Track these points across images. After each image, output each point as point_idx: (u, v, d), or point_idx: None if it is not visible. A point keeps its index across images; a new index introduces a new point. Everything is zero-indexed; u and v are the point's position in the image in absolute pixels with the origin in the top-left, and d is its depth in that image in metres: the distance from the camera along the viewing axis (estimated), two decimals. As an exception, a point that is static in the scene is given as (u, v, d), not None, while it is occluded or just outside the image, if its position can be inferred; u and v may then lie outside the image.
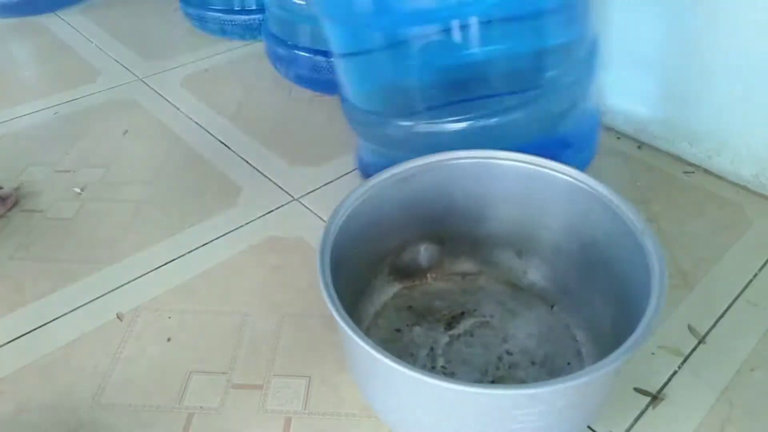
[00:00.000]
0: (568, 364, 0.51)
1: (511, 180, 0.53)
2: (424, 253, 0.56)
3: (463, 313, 0.55)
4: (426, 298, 0.56)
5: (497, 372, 0.50)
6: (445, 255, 0.57)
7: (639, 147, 0.81)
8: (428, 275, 0.57)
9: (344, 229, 0.47)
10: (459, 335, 0.53)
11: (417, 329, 0.53)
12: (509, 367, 0.50)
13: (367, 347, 0.36)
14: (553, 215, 0.53)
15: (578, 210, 0.51)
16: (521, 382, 0.50)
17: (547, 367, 0.51)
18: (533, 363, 0.51)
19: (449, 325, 0.53)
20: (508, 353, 0.52)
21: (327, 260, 0.43)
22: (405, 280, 0.57)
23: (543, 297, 0.56)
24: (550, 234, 0.54)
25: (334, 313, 0.39)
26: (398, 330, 0.52)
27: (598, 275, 0.51)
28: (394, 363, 0.35)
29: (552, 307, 0.55)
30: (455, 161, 0.52)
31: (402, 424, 0.43)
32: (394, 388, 0.40)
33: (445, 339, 0.52)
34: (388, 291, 0.56)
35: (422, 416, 0.40)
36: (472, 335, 0.53)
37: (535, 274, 0.56)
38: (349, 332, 0.37)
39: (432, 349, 0.51)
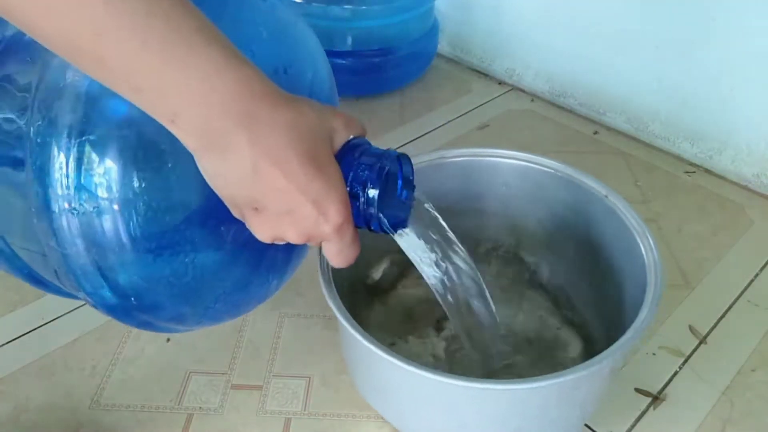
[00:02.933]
0: (558, 328, 0.52)
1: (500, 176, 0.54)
2: (392, 264, 0.56)
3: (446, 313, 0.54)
4: (405, 307, 0.55)
5: (501, 361, 0.50)
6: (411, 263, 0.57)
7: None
8: (398, 284, 0.57)
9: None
10: (452, 335, 0.52)
11: (410, 339, 0.52)
12: (514, 349, 0.50)
13: (404, 365, 0.35)
14: (545, 211, 0.54)
15: (572, 205, 0.51)
16: (530, 362, 0.50)
17: (542, 343, 0.51)
18: (530, 343, 0.51)
19: (439, 328, 0.53)
20: (504, 338, 0.51)
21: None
22: (379, 295, 0.56)
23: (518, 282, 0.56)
24: (539, 228, 0.54)
25: (357, 335, 0.37)
26: (393, 344, 0.52)
27: (593, 270, 0.51)
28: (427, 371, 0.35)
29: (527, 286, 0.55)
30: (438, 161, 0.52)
31: (416, 425, 0.44)
32: (409, 393, 0.40)
33: (441, 343, 0.52)
34: (366, 309, 0.55)
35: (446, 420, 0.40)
36: (465, 329, 0.52)
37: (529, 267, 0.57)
38: (386, 355, 0.36)
39: (433, 355, 0.51)
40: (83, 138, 0.30)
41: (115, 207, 0.31)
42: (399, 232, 0.37)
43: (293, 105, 0.30)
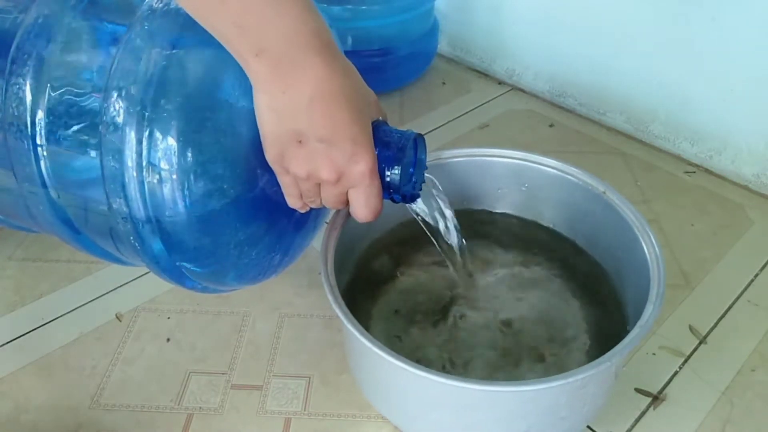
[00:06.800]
0: (563, 316, 0.51)
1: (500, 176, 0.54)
2: (389, 257, 0.56)
3: (448, 299, 0.54)
4: (406, 296, 0.55)
5: (508, 347, 0.49)
6: (409, 252, 0.57)
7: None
8: (397, 272, 0.57)
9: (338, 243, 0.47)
10: (456, 323, 0.52)
11: (414, 331, 0.52)
12: (517, 336, 0.50)
13: (408, 367, 0.36)
14: (544, 209, 0.54)
15: (572, 204, 0.51)
16: (534, 348, 0.49)
17: (547, 323, 0.51)
18: (535, 325, 0.51)
19: (442, 317, 0.53)
20: (507, 323, 0.51)
21: (331, 263, 0.43)
22: (379, 286, 0.56)
23: (512, 262, 0.56)
24: (538, 227, 0.55)
25: (363, 339, 0.38)
26: (398, 337, 0.52)
27: (593, 267, 0.51)
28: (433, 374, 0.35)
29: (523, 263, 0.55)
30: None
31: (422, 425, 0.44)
32: (414, 394, 0.40)
33: (445, 332, 0.52)
34: (368, 301, 0.55)
35: (447, 418, 0.40)
36: (467, 318, 0.52)
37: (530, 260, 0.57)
38: (384, 355, 0.37)
39: (438, 346, 0.51)
40: (151, 121, 0.37)
41: (174, 176, 0.37)
42: (412, 204, 0.44)
43: (349, 63, 0.36)
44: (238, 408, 0.50)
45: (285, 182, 0.39)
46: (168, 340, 0.55)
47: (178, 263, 0.42)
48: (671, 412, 0.49)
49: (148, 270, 0.61)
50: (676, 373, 0.52)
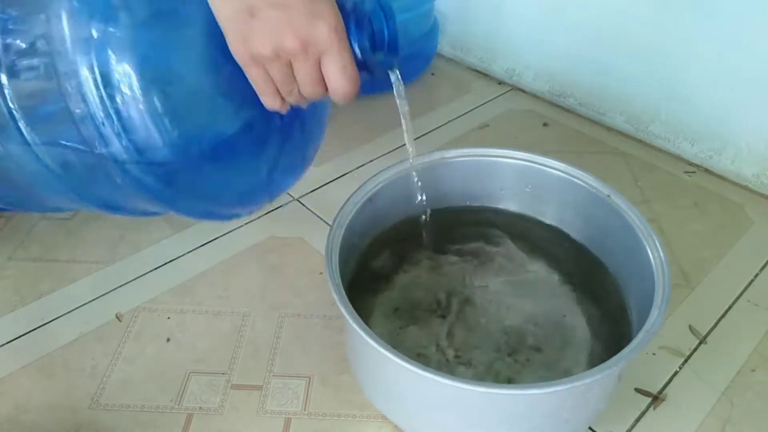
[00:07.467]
0: (564, 316, 0.51)
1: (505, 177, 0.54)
2: (390, 254, 0.56)
3: (448, 297, 0.54)
4: (406, 293, 0.55)
5: (508, 346, 0.50)
6: (407, 250, 0.57)
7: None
8: (399, 270, 0.57)
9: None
10: (455, 321, 0.52)
11: (413, 329, 0.52)
12: (518, 336, 0.50)
13: (411, 366, 0.36)
14: (546, 211, 0.54)
15: (576, 206, 0.51)
16: (536, 347, 0.50)
17: (550, 323, 0.51)
18: (536, 324, 0.51)
19: (441, 314, 0.53)
20: (508, 322, 0.51)
21: (335, 261, 0.43)
22: (380, 282, 0.56)
23: (512, 260, 0.56)
24: (541, 229, 0.55)
25: (360, 330, 0.38)
26: (398, 335, 0.52)
27: (595, 270, 0.51)
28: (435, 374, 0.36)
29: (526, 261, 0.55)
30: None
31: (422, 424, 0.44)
32: (413, 393, 0.40)
33: (445, 329, 0.52)
34: (369, 299, 0.55)
35: (448, 418, 0.40)
36: (467, 316, 0.52)
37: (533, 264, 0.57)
38: (382, 349, 0.37)
39: (438, 344, 0.51)
40: (102, 50, 0.36)
41: (138, 95, 0.37)
42: (390, 73, 0.42)
43: None
44: (238, 408, 0.50)
45: (256, 77, 0.37)
46: (168, 340, 0.55)
47: (174, 188, 0.42)
48: (671, 412, 0.49)
49: (148, 269, 0.62)
50: (676, 373, 0.52)
